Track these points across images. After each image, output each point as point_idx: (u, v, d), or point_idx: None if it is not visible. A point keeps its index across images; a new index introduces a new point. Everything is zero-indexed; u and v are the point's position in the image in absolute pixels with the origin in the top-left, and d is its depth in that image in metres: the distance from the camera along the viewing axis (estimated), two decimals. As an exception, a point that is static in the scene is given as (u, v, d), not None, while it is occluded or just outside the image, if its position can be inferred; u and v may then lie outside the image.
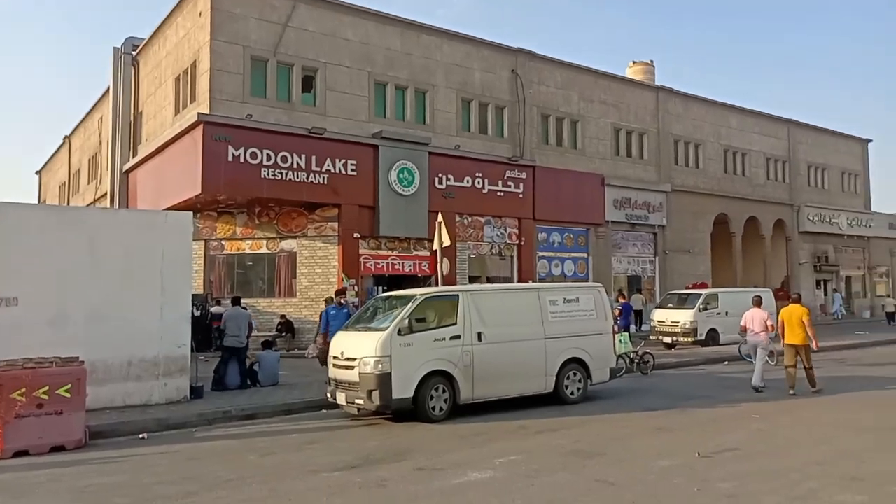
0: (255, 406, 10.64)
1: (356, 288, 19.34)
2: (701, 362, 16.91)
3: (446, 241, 14.44)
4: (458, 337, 10.08)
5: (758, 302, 13.46)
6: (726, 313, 20.54)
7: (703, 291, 21.66)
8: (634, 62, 33.12)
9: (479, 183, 22.49)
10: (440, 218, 14.83)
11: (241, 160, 17.95)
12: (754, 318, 12.87)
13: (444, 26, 24.48)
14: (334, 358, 10.16)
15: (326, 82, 20.49)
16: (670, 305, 21.67)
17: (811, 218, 35.25)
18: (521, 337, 10.69)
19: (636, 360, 14.79)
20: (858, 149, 40.94)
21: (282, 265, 20.22)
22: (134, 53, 24.75)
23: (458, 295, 10.48)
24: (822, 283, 37.15)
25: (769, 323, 12.67)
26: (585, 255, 26.00)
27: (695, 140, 30.93)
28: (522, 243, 23.70)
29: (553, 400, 10.88)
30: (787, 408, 10.41)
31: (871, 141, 41.45)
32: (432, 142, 21.60)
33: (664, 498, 5.89)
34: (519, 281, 22.60)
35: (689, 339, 20.25)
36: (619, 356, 14.15)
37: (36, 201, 41.27)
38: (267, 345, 13.69)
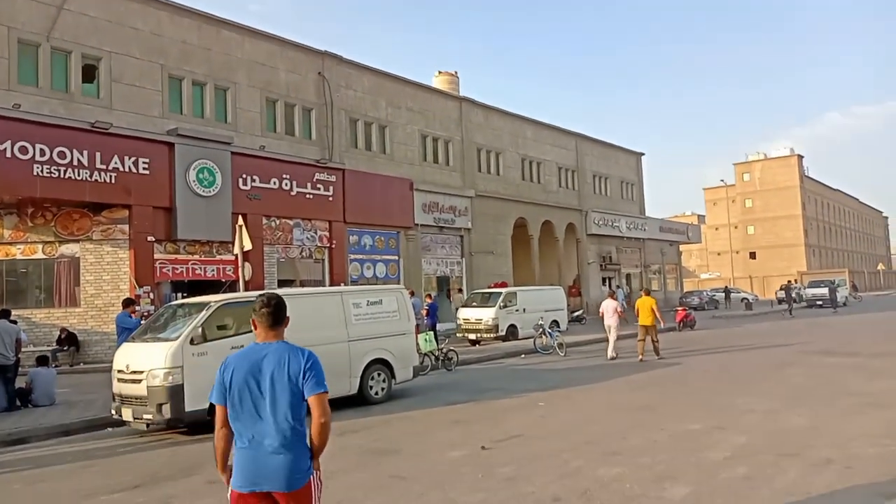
0: (24, 429, 9.51)
1: (151, 296, 18.00)
2: (501, 356, 18.07)
3: (247, 245, 13.98)
4: (257, 343, 9.80)
5: (611, 294, 17.75)
6: (524, 310, 22.13)
7: (503, 290, 23.14)
8: (440, 72, 34.44)
9: (286, 185, 22.01)
10: (240, 221, 14.33)
11: (8, 155, 15.90)
12: (608, 307, 16.71)
13: (246, 23, 23.66)
14: (119, 372, 9.40)
15: (112, 73, 18.85)
16: (474, 304, 22.85)
17: (597, 222, 39.15)
18: (324, 341, 10.63)
19: (441, 358, 15.42)
20: (634, 161, 46.27)
21: (62, 272, 18.19)
22: None
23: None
24: (607, 280, 41.40)
25: (619, 310, 16.59)
26: (396, 258, 26.52)
27: (495, 149, 32.94)
28: (333, 246, 23.59)
29: (358, 401, 11.01)
30: (568, 394, 11.50)
31: (643, 154, 47.06)
32: (235, 141, 20.76)
33: (451, 486, 6.25)
34: (331, 283, 22.46)
35: (492, 335, 21.52)
36: (425, 354, 14.77)
37: None
38: (42, 360, 12.27)
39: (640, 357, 15.55)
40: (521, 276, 32.92)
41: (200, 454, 8.16)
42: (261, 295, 3.45)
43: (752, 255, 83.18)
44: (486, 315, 21.72)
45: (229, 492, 3.27)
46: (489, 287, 25.82)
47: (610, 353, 16.19)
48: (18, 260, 18.06)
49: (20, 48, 17.33)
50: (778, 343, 18.60)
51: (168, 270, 18.95)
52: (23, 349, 11.80)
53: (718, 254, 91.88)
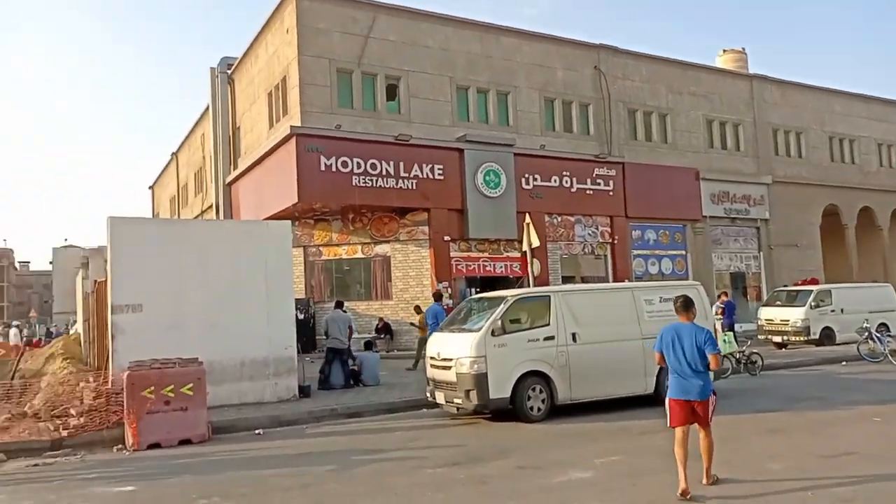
0: (359, 405, 11.05)
1: (449, 290, 19.58)
2: (815, 363, 15.97)
3: (535, 242, 14.39)
4: (552, 338, 10.04)
5: None
6: (841, 310, 19.33)
7: (815, 288, 20.47)
8: (725, 50, 31.81)
9: (566, 182, 22.23)
10: (528, 219, 14.79)
11: (333, 169, 18.53)
12: None
13: (523, 27, 24.48)
14: (431, 358, 10.37)
15: (409, 90, 20.90)
16: (778, 303, 20.61)
17: (932, 205, 32.54)
18: (617, 337, 10.51)
19: (743, 361, 14.19)
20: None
21: (377, 269, 20.77)
22: (229, 72, 25.94)
23: (549, 296, 10.45)
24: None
25: None
26: (683, 252, 25.22)
27: (795, 128, 29.37)
28: (616, 242, 23.25)
29: (655, 401, 10.55)
30: (912, 409, 9.71)
31: None
32: (517, 143, 21.57)
33: (774, 501, 5.67)
34: (614, 280, 22.19)
35: (801, 339, 19.18)
36: (725, 356, 13.67)
37: (150, 215, 44.19)
38: (368, 346, 14.17)
39: None
40: (835, 271, 28.78)
41: (507, 440, 8.60)
42: (677, 296, 6.53)
43: None
44: (793, 316, 19.41)
45: (667, 399, 6.23)
46: (795, 284, 23.09)
47: None
48: (343, 259, 21.10)
49: (338, 76, 20.13)
50: None
51: (462, 267, 20.46)
52: (353, 335, 13.70)
53: None
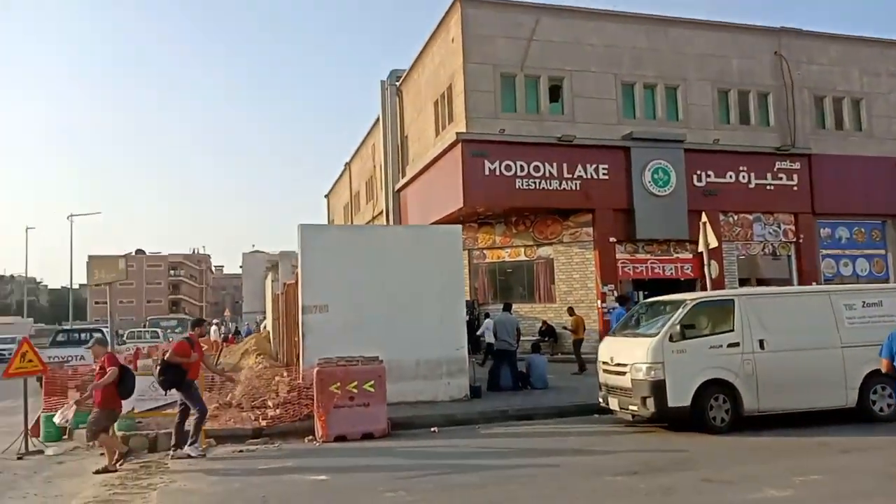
0: (529, 407, 11.09)
1: (615, 293, 19.06)
2: None
3: (713, 243, 13.56)
4: (736, 344, 9.42)
5: None
6: None
7: None
8: (935, 21, 27.97)
9: (743, 177, 20.83)
10: (704, 218, 13.98)
11: (497, 173, 18.79)
12: None
13: (692, 16, 23.14)
14: (603, 363, 10.14)
15: (573, 90, 20.58)
16: None
17: None
18: (811, 345, 9.65)
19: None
20: None
21: (540, 272, 20.73)
22: (397, 84, 27.25)
23: (733, 299, 9.81)
24: None
25: None
26: (883, 252, 22.63)
27: None
28: (801, 241, 21.38)
29: (857, 416, 9.60)
30: None
31: None
32: (687, 138, 20.51)
33: None
34: (799, 283, 20.39)
35: None
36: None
37: (325, 221, 47.49)
38: (535, 348, 14.19)
39: None
40: None
41: (688, 450, 8.19)
42: None
43: None
44: None
45: None
46: None
47: None
48: (506, 262, 21.32)
49: (502, 81, 20.32)
50: None
51: (629, 269, 19.83)
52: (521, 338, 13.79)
53: None
